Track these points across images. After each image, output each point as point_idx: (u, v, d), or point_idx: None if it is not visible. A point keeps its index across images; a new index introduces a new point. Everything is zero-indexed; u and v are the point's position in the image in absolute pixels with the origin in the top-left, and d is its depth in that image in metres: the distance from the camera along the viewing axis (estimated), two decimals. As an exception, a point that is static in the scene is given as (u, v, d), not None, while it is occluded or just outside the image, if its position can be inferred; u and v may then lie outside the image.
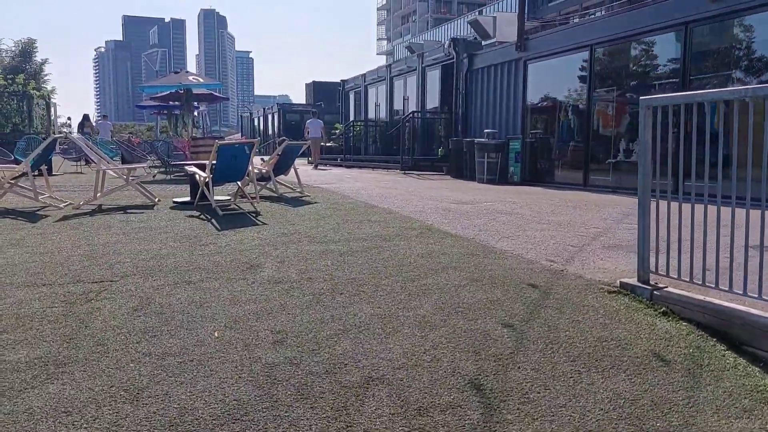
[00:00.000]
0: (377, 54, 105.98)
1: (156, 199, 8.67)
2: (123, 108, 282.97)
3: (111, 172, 8.45)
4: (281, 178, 9.69)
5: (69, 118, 38.12)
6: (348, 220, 7.11)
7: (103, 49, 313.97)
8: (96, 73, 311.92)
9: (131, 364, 2.99)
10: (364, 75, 22.70)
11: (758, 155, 3.02)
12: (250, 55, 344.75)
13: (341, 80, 24.85)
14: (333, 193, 10.36)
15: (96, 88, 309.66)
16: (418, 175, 15.28)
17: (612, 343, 3.27)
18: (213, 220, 7.17)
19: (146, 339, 3.31)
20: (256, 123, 41.66)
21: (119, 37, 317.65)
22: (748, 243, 3.34)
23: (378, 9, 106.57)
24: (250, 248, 5.58)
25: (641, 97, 3.83)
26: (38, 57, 38.13)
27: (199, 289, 4.23)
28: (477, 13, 49.85)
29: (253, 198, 8.18)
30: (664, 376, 2.92)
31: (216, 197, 7.80)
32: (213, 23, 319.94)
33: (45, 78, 37.27)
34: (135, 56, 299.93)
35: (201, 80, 14.07)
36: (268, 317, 3.63)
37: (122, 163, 18.48)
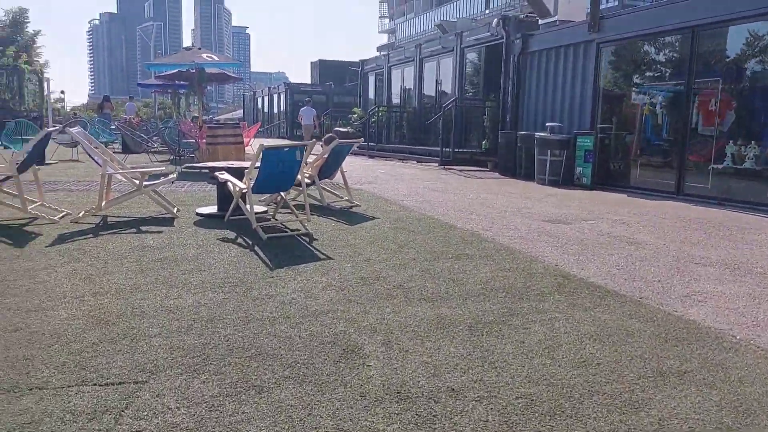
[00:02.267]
0: (379, 32, 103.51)
1: (174, 209, 6.95)
2: (118, 83, 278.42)
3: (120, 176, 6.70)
4: (325, 182, 7.97)
5: (63, 92, 36.07)
6: (435, 253, 5.42)
7: (97, 22, 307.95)
8: (90, 47, 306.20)
9: None
10: (387, 55, 20.79)
11: None
12: (247, 31, 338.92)
13: (360, 60, 22.90)
14: (382, 199, 8.65)
15: (90, 62, 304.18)
16: (460, 171, 13.55)
17: None
18: (257, 248, 5.47)
19: None
20: (260, 103, 39.65)
21: (114, 10, 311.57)
22: None
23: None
24: (326, 308, 3.90)
25: None
26: (30, 28, 35.92)
27: (278, 409, 2.57)
28: None
29: (302, 216, 6.45)
30: None
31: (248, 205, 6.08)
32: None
33: (38, 51, 35.11)
34: (129, 30, 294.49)
35: (216, 58, 12.27)
36: None
37: (123, 149, 16.70)
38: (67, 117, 30.16)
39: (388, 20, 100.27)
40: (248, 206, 5.96)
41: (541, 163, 11.18)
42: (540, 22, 13.17)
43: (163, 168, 7.26)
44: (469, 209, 7.94)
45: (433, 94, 17.54)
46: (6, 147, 12.66)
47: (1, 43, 29.20)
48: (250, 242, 5.68)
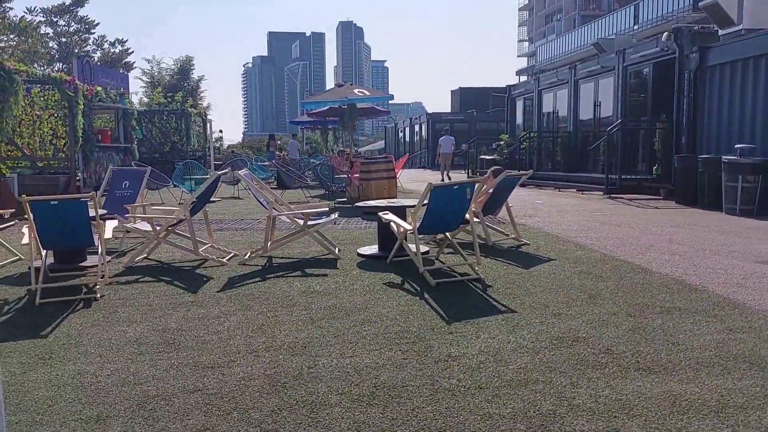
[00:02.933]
0: (518, 56, 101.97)
1: (336, 249, 6.73)
2: (268, 121, 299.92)
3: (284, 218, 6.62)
4: (487, 217, 7.39)
5: (221, 131, 38.94)
6: (638, 305, 4.62)
7: (250, 65, 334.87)
8: (244, 88, 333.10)
9: None
10: (537, 78, 19.93)
11: None
12: (385, 64, 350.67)
13: (507, 86, 22.23)
14: (551, 236, 7.90)
15: (244, 102, 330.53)
16: (629, 200, 12.34)
17: None
18: (426, 295, 5.02)
19: None
20: (401, 134, 40.13)
21: (264, 53, 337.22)
22: None
23: (519, 9, 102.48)
24: (524, 378, 3.32)
25: None
26: (195, 74, 39.41)
27: None
28: (632, 8, 44.49)
29: (471, 258, 5.93)
30: None
31: (411, 245, 5.65)
32: (351, 34, 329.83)
33: (201, 94, 38.41)
34: (278, 70, 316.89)
35: (367, 93, 12.28)
36: None
37: (278, 185, 17.35)
38: (227, 155, 32.37)
39: (527, 43, 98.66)
40: (414, 248, 5.54)
41: (730, 191, 9.76)
42: (720, 32, 11.74)
43: (326, 208, 7.08)
44: (657, 247, 6.96)
45: (591, 117, 16.38)
46: (176, 186, 13.54)
47: (171, 89, 32.20)
48: (418, 288, 5.25)
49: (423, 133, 34.31)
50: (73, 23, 32.44)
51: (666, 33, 12.27)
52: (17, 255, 6.53)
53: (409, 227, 5.65)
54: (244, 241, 7.76)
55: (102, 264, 5.42)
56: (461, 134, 33.84)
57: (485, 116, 33.45)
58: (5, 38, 26.84)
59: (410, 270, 5.76)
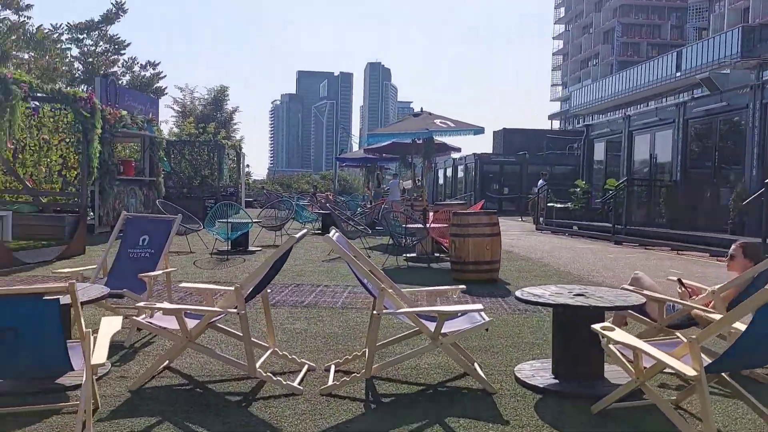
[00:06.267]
0: (551, 100, 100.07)
1: (476, 366, 4.02)
2: (293, 158, 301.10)
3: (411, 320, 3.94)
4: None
5: (248, 165, 36.79)
6: None
7: (278, 102, 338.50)
8: (271, 125, 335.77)
9: None
10: (628, 117, 17.24)
11: None
12: (411, 105, 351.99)
13: (585, 125, 19.65)
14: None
15: (270, 138, 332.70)
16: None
17: None
18: None
19: None
20: (440, 174, 37.66)
21: (293, 91, 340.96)
22: None
23: (554, 54, 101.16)
24: None
25: None
26: (229, 105, 37.56)
27: None
28: (674, 54, 43.31)
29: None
30: None
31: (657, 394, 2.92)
32: (378, 75, 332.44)
33: (234, 126, 36.45)
34: (306, 108, 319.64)
35: (452, 125, 9.73)
36: None
37: (323, 230, 14.83)
38: (259, 192, 30.18)
39: (560, 88, 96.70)
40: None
41: None
42: None
43: (459, 289, 4.39)
44: None
45: (710, 162, 13.60)
46: (209, 231, 10.98)
47: (203, 119, 30.19)
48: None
49: (471, 174, 31.68)
50: (101, 42, 30.68)
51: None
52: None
53: (689, 370, 2.91)
54: (314, 334, 5.10)
55: (85, 398, 2.83)
56: (511, 177, 31.26)
57: (537, 159, 30.90)
58: (22, 55, 25.04)
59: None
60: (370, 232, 11.29)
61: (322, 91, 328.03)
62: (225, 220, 10.70)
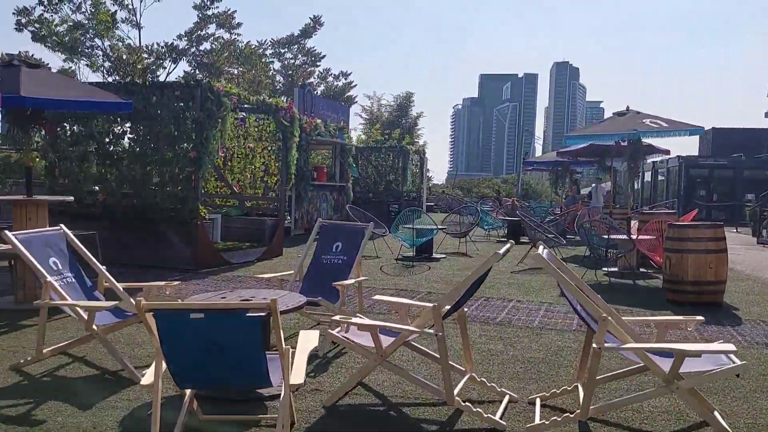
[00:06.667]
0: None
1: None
2: (473, 162, 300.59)
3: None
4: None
5: (428, 169, 37.05)
6: None
7: (460, 106, 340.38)
8: (452, 129, 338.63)
9: None
10: None
11: None
12: (601, 105, 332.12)
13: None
14: None
15: (451, 142, 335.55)
16: None
17: None
18: None
19: None
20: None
21: (475, 95, 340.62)
22: None
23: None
24: None
25: None
26: (413, 111, 38.24)
27: None
28: None
29: None
30: None
31: None
32: (565, 75, 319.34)
33: (418, 132, 37.02)
34: (487, 111, 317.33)
35: (664, 125, 8.60)
36: None
37: (507, 237, 14.25)
38: (441, 197, 30.30)
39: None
40: None
41: None
42: None
43: (722, 346, 3.60)
44: None
45: None
46: (395, 236, 11.00)
47: (389, 126, 31.05)
48: None
49: (672, 179, 28.69)
50: (300, 55, 33.02)
51: None
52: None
53: None
54: (512, 358, 4.64)
55: (283, 415, 2.70)
56: (722, 182, 27.75)
57: (755, 162, 27.07)
58: (232, 69, 27.71)
59: None
60: (564, 242, 10.45)
61: (505, 94, 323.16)
62: (410, 226, 10.63)
